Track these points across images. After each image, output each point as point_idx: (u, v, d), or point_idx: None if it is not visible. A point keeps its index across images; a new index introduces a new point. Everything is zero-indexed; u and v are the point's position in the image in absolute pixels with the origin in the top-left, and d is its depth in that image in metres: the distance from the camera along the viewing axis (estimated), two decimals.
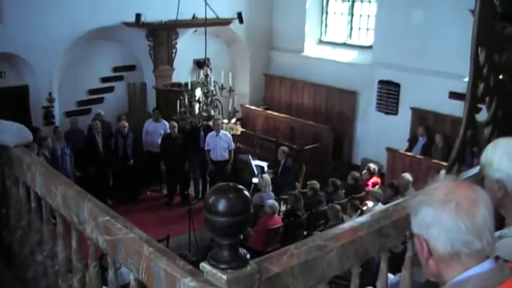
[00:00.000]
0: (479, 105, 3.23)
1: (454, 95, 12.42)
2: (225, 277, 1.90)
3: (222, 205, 1.89)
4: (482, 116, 3.55)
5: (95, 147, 12.85)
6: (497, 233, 2.32)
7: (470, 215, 1.74)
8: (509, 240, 2.34)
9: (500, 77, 3.29)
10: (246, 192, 1.97)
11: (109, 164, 13.16)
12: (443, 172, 3.10)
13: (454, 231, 1.74)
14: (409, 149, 13.87)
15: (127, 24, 14.28)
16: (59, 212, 3.23)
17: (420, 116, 14.05)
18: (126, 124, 13.25)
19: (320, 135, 15.39)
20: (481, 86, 3.09)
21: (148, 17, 14.00)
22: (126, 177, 13.29)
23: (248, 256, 2.00)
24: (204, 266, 1.97)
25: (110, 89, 15.53)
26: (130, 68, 15.79)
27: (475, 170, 3.00)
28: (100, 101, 15.25)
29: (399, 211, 2.69)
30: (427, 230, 1.80)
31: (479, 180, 2.57)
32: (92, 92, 15.07)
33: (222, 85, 10.78)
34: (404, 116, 14.40)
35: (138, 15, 13.85)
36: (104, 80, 15.32)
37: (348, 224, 2.63)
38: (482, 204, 1.78)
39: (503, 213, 2.52)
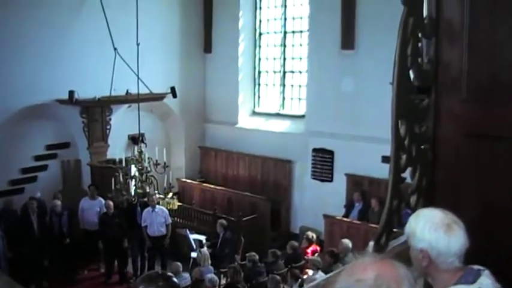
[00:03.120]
0: (403, 176, 3.33)
1: (386, 159, 12.62)
2: None
3: None
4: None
5: (30, 227, 12.52)
6: None
7: None
8: None
9: (422, 147, 3.42)
10: (175, 279, 1.98)
11: (44, 243, 12.79)
12: (371, 244, 3.16)
13: None
14: (346, 214, 13.99)
15: (60, 101, 14.17)
16: None
17: (355, 182, 14.28)
18: (59, 203, 12.99)
19: (257, 206, 15.37)
20: (404, 157, 3.20)
21: (82, 93, 13.94)
22: (62, 257, 12.92)
23: None
24: None
25: (43, 167, 15.24)
26: (64, 145, 15.57)
27: (402, 238, 3.07)
28: (33, 179, 14.94)
29: (330, 284, 2.71)
30: None
31: (407, 248, 2.64)
32: (24, 170, 14.74)
33: (156, 161, 10.79)
34: (340, 182, 14.60)
35: (71, 92, 13.78)
36: (37, 158, 15.03)
37: None
38: (407, 281, 1.82)
39: (430, 281, 2.59)
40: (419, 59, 3.38)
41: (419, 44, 3.40)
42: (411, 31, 3.23)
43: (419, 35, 3.37)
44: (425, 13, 3.52)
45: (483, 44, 3.41)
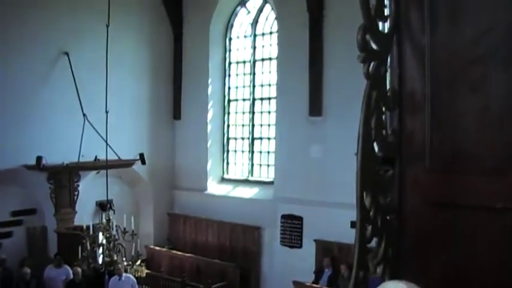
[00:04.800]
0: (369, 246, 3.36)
1: (355, 225, 12.67)
2: None
3: None
4: None
5: None
6: None
7: None
8: None
9: (388, 217, 3.46)
10: None
11: None
12: None
13: None
14: (316, 281, 13.91)
15: (27, 167, 14.05)
16: None
17: (324, 247, 14.26)
18: (28, 270, 12.82)
19: (226, 273, 15.23)
20: (369, 228, 3.24)
21: (50, 159, 13.86)
22: None
23: None
24: None
25: (8, 234, 14.92)
26: (31, 211, 15.33)
27: None
28: None
29: None
30: None
31: None
32: None
33: (124, 229, 10.71)
34: (309, 249, 14.56)
35: (39, 158, 13.71)
36: (2, 225, 14.72)
37: None
38: None
39: None
40: (384, 131, 3.46)
41: (383, 116, 3.49)
42: (374, 104, 3.32)
43: (383, 108, 3.46)
44: (388, 86, 3.62)
45: (444, 116, 3.51)
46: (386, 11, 3.55)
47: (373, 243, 3.48)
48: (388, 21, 3.53)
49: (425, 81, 3.54)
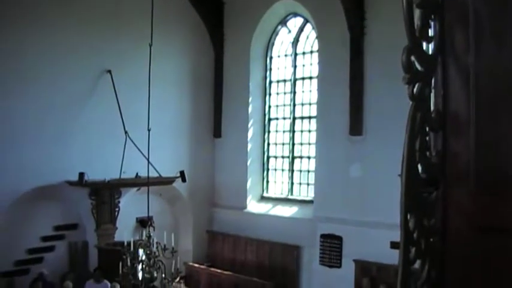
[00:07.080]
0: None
1: (395, 245, 12.53)
2: None
3: None
4: None
5: None
6: None
7: None
8: None
9: (431, 239, 3.43)
10: None
11: None
12: None
13: None
14: None
15: (70, 183, 14.28)
16: None
17: (363, 268, 14.15)
18: (71, 285, 12.93)
19: None
20: (413, 250, 3.21)
21: (92, 175, 14.03)
22: None
23: None
24: None
25: (51, 248, 15.21)
26: (72, 226, 15.59)
27: None
28: (39, 260, 14.88)
29: None
30: None
31: None
32: (31, 251, 14.74)
33: (164, 246, 10.77)
34: (348, 269, 14.46)
35: (81, 174, 13.89)
36: (45, 239, 15.04)
37: None
38: None
39: None
40: (428, 153, 3.43)
41: (427, 138, 3.46)
42: (419, 126, 3.30)
43: (427, 129, 3.43)
44: (432, 107, 3.59)
45: (489, 138, 3.46)
46: (431, 32, 3.54)
47: (416, 264, 3.45)
48: (433, 42, 3.51)
49: (469, 102, 3.50)
